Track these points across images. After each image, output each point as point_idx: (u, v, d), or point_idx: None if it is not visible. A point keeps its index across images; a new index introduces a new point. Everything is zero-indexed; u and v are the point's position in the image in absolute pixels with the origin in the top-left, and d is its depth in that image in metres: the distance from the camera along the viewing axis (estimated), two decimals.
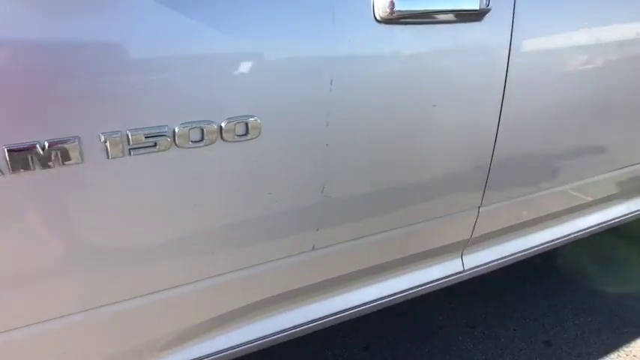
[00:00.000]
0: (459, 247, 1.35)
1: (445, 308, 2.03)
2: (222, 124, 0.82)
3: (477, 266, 1.39)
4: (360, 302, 1.25)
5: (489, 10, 1.02)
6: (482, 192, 1.24)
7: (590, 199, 1.53)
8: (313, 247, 1.04)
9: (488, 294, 2.11)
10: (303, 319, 1.14)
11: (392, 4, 0.93)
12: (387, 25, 0.94)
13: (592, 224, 1.59)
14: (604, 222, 1.62)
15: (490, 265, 1.42)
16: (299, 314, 1.14)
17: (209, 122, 0.81)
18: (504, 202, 1.30)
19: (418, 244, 1.26)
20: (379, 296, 1.29)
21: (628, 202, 1.66)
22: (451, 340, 1.88)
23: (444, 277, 1.36)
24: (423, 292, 1.38)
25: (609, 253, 2.45)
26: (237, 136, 0.84)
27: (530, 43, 1.13)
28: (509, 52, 1.09)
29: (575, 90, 1.24)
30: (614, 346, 1.86)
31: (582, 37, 1.21)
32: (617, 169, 1.51)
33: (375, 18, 0.92)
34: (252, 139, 0.86)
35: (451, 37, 1.02)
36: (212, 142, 0.82)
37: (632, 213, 1.67)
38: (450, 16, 1.00)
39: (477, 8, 0.99)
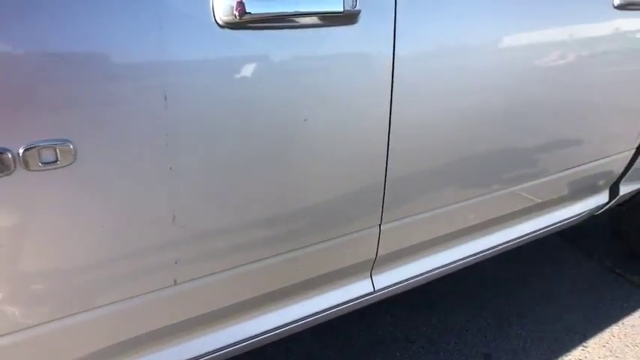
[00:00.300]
0: (366, 268, 1.21)
1: (386, 322, 1.90)
2: (20, 152, 0.68)
3: (390, 286, 1.25)
4: (256, 333, 1.11)
5: (358, 12, 0.88)
6: (380, 209, 1.10)
7: (508, 210, 1.39)
8: (175, 282, 0.90)
9: (433, 304, 1.98)
10: (179, 357, 0.99)
11: (241, 6, 0.79)
12: (233, 31, 0.80)
13: (516, 236, 1.45)
14: (528, 234, 1.49)
15: (405, 283, 1.28)
16: (175, 353, 0.99)
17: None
18: (410, 217, 1.16)
19: (316, 267, 1.12)
20: (282, 323, 1.15)
21: (544, 215, 1.52)
22: (388, 356, 1.74)
23: (353, 300, 1.22)
24: (333, 316, 1.24)
25: (560, 256, 2.33)
26: (44, 164, 0.70)
27: (419, 47, 0.99)
28: (394, 57, 0.95)
29: (477, 94, 1.10)
30: (554, 355, 1.74)
31: (481, 37, 1.08)
32: (532, 180, 1.37)
33: (217, 22, 0.78)
34: (64, 166, 0.71)
35: (320, 43, 0.88)
36: (9, 173, 0.68)
37: (553, 224, 1.53)
38: (315, 20, 0.86)
39: (341, 10, 0.85)
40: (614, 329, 1.87)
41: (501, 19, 1.09)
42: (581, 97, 1.33)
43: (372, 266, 1.21)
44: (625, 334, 1.85)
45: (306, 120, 0.90)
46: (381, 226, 1.13)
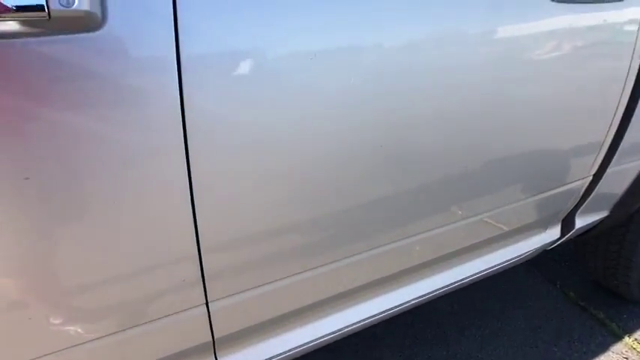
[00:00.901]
0: (205, 353, 0.89)
1: None
2: None
3: None
4: None
5: (91, 12, 0.55)
6: (201, 286, 0.78)
7: (384, 274, 1.05)
8: None
9: (357, 350, 1.67)
10: None
11: None
12: None
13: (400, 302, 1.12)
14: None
15: None
16: None
17: None
18: (253, 290, 0.84)
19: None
20: None
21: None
22: None
23: None
24: None
25: (520, 283, 2.02)
26: None
27: (223, 55, 0.66)
28: (180, 77, 0.63)
29: (335, 112, 0.76)
30: None
31: (354, 28, 0.74)
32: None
33: None
34: None
35: (37, 61, 0.55)
36: None
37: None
38: (18, 27, 0.53)
39: (45, 15, 0.51)
40: None
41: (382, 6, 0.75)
42: (513, 117, 1.01)
43: (213, 350, 0.90)
44: None
45: (27, 178, 0.58)
46: (209, 305, 0.81)
